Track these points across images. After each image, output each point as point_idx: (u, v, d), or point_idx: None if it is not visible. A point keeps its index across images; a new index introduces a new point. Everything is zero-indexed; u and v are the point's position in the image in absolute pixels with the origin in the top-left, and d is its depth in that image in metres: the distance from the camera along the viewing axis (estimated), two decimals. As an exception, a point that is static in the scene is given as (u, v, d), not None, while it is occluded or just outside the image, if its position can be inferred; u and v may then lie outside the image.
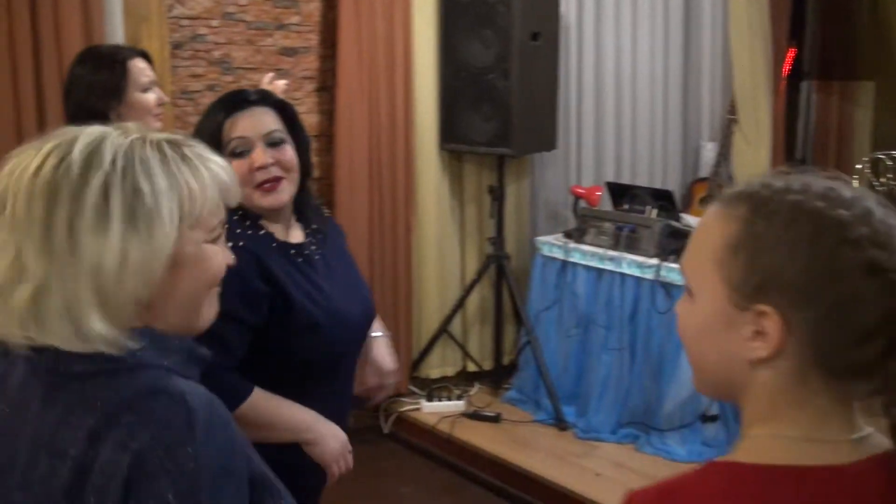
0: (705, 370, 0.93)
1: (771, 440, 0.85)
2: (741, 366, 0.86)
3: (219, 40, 3.46)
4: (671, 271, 3.25)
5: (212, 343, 1.08)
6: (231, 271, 1.07)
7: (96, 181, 0.90)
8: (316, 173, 3.65)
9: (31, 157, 0.93)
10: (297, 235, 1.68)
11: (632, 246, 3.44)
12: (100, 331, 0.91)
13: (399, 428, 3.83)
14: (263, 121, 1.60)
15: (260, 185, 1.58)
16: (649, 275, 3.33)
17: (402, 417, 3.83)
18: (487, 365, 4.14)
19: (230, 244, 1.12)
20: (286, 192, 1.61)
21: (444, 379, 4.07)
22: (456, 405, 3.86)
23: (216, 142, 1.54)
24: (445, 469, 3.55)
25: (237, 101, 1.62)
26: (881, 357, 0.81)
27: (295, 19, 3.64)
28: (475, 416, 3.76)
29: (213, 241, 1.01)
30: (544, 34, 3.73)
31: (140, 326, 0.96)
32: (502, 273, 3.94)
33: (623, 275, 3.43)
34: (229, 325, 1.37)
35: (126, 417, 0.90)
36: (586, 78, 4.24)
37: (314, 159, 3.57)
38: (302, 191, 1.68)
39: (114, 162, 0.92)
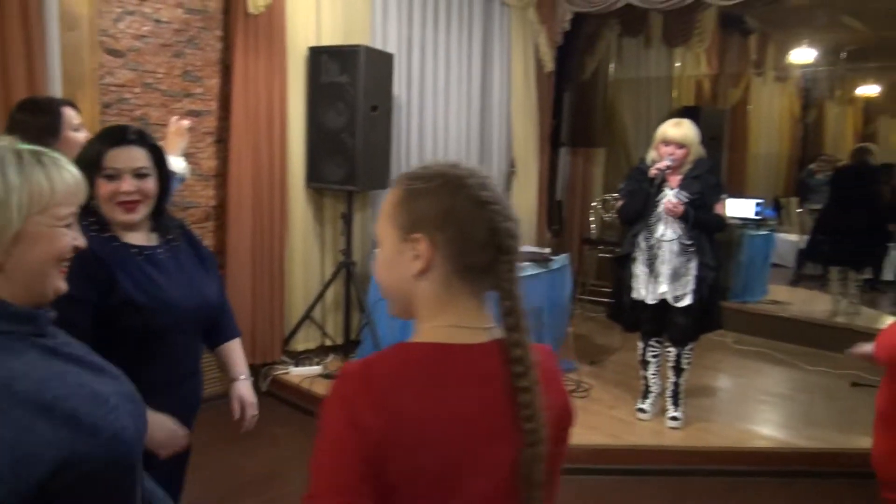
0: (391, 295, 1.00)
1: (432, 329, 0.95)
2: (409, 282, 0.95)
3: (139, 103, 3.48)
4: None
5: (63, 323, 1.06)
6: (73, 262, 1.05)
7: None
8: (213, 203, 3.84)
9: None
10: (148, 240, 1.68)
11: None
12: None
13: (274, 387, 3.93)
14: (135, 157, 1.61)
15: (121, 204, 1.61)
16: None
17: (276, 379, 3.95)
18: (339, 340, 4.23)
19: None
20: (140, 212, 1.64)
21: (307, 351, 4.15)
22: (315, 370, 3.99)
23: (95, 164, 1.57)
24: (307, 415, 3.65)
25: (118, 138, 1.61)
26: (493, 260, 0.94)
27: (199, 90, 3.73)
28: (328, 376, 3.89)
29: (66, 226, 1.00)
30: (381, 106, 3.95)
31: None
32: (350, 275, 4.08)
33: None
34: (73, 307, 1.31)
35: None
36: (413, 136, 4.68)
37: (212, 194, 3.81)
38: (159, 211, 1.70)
39: None
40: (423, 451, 0.87)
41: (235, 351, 1.91)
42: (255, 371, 3.85)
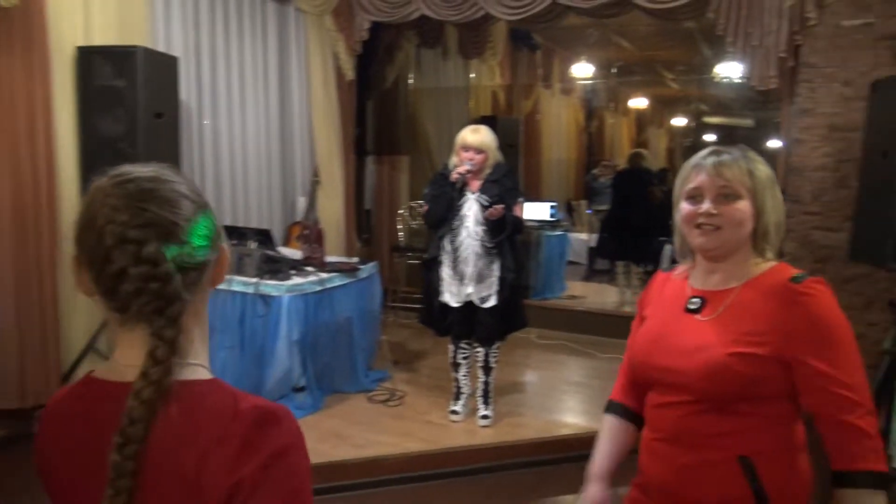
0: None
1: (104, 363, 0.89)
2: None
3: None
4: (266, 286, 3.65)
5: None
6: None
7: None
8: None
9: None
10: None
11: (239, 270, 3.77)
12: None
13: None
14: None
15: None
16: (251, 290, 3.66)
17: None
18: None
19: None
20: None
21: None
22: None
23: None
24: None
25: None
26: (124, 279, 0.81)
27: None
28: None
29: None
30: (167, 114, 3.70)
31: None
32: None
33: (234, 292, 3.69)
34: None
35: None
36: (206, 146, 4.42)
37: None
38: None
39: None
40: (49, 482, 0.87)
41: None
42: (27, 416, 3.39)
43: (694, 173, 1.36)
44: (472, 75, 7.11)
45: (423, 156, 6.30)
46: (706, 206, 1.34)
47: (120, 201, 0.80)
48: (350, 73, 5.30)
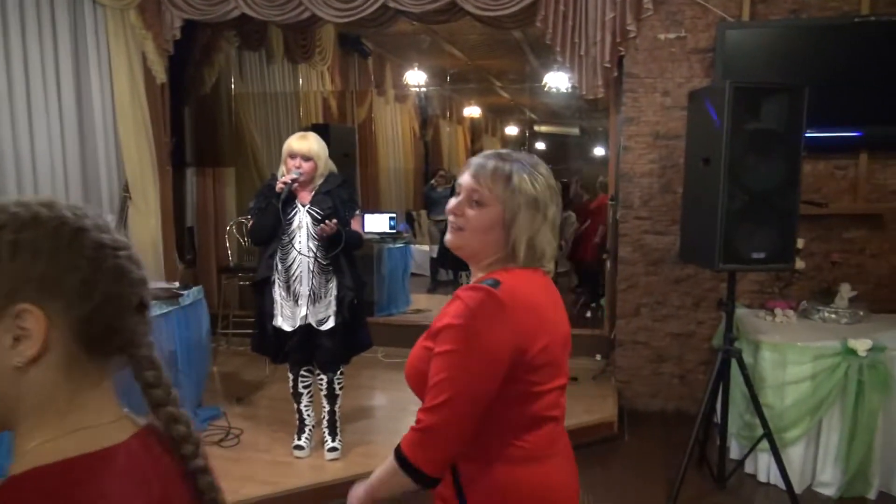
0: None
1: (51, 444, 0.71)
2: (9, 377, 0.71)
3: None
4: None
5: None
6: None
7: None
8: None
9: None
10: None
11: None
12: None
13: None
14: None
15: None
16: None
17: None
18: None
19: None
20: None
21: None
22: None
23: None
24: None
25: None
26: (126, 323, 0.78)
27: None
28: None
29: None
30: None
31: None
32: None
33: None
34: None
35: None
36: None
37: None
38: None
39: None
40: None
41: None
42: None
43: (463, 169, 1.42)
44: (301, 81, 6.86)
45: (251, 167, 5.96)
46: (453, 203, 1.40)
47: (116, 238, 0.78)
48: (161, 76, 4.85)
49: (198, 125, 5.73)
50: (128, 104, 4.60)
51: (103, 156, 4.59)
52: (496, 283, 1.30)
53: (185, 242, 5.62)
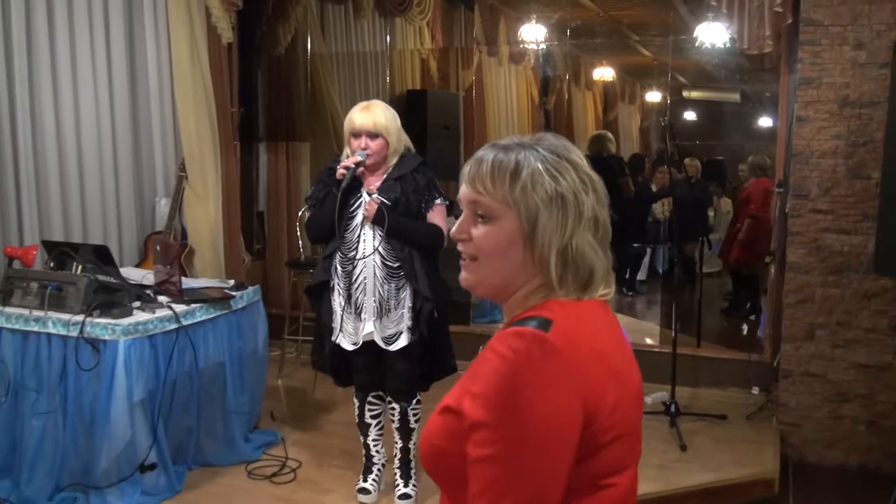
0: None
1: None
2: None
3: None
4: (96, 326, 3.15)
5: None
6: None
7: None
8: None
9: None
10: None
11: (58, 304, 3.25)
12: None
13: None
14: None
15: None
16: (74, 333, 3.15)
17: None
18: None
19: None
20: None
21: None
22: None
23: None
24: None
25: None
26: None
27: None
28: None
29: None
30: None
31: None
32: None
33: (49, 335, 3.20)
34: None
35: None
36: (22, 143, 3.85)
37: None
38: None
39: None
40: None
41: None
42: None
43: (460, 180, 1.22)
44: (394, 38, 6.73)
45: (331, 141, 5.85)
46: (454, 228, 1.22)
47: None
48: (228, 35, 4.76)
49: (271, 92, 5.72)
50: (187, 68, 4.55)
51: (158, 130, 4.61)
52: (546, 324, 1.08)
53: (253, 231, 5.61)
